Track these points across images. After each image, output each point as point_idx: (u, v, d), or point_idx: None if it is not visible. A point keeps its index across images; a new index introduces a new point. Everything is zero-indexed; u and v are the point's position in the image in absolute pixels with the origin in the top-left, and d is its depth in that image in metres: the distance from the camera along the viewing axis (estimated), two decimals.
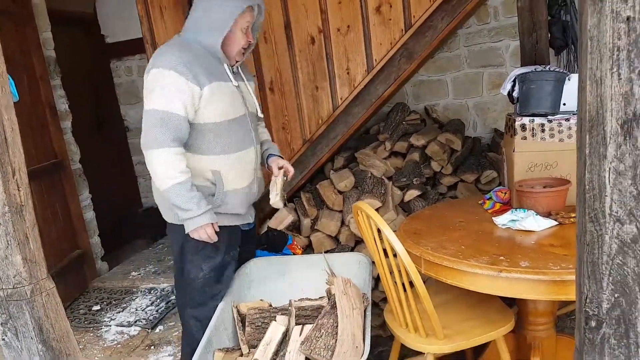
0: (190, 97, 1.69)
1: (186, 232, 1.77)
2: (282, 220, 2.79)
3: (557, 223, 1.70)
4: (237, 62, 1.88)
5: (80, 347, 2.80)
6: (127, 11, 4.08)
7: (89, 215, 3.79)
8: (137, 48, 4.01)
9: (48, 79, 3.42)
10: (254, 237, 2.21)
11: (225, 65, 1.82)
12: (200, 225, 1.74)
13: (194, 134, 1.77)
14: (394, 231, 1.60)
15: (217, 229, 1.80)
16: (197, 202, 1.72)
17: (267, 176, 2.10)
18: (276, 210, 2.82)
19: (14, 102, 1.47)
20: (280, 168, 2.00)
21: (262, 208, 2.91)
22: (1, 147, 1.42)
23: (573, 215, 1.66)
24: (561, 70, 1.92)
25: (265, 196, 2.01)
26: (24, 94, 3.10)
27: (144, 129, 1.72)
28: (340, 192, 2.82)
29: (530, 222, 1.69)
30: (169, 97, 1.67)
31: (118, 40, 4.45)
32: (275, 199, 1.95)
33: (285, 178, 2.00)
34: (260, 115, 2.00)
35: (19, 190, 1.46)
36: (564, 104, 1.89)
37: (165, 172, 1.69)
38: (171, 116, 1.68)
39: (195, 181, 1.78)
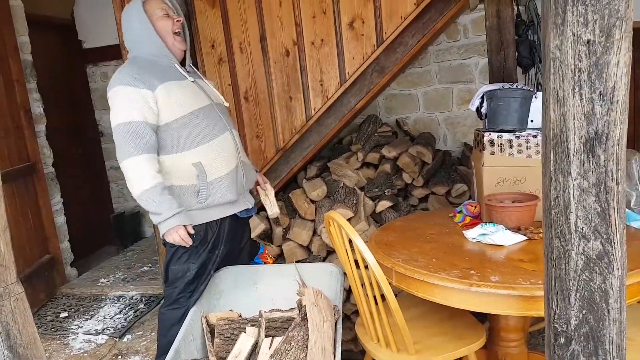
0: (144, 103, 1.76)
1: (161, 236, 1.81)
2: (253, 228, 2.76)
3: (526, 238, 1.73)
4: (184, 52, 1.96)
5: (47, 355, 2.71)
6: (104, 17, 4.06)
7: (60, 219, 3.75)
8: (113, 54, 3.99)
9: (24, 82, 3.42)
10: (248, 225, 2.24)
11: (176, 65, 1.91)
12: (172, 227, 1.77)
13: (166, 135, 1.82)
14: (366, 242, 1.61)
15: (192, 231, 1.83)
16: (167, 205, 1.76)
17: None
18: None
19: None
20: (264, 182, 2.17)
21: None
22: None
23: (542, 230, 1.69)
24: (528, 88, 1.98)
25: None
26: (0, 96, 3.10)
27: (115, 145, 1.78)
28: (312, 202, 2.82)
29: (500, 237, 1.71)
30: (125, 108, 1.75)
31: (95, 46, 4.42)
32: (273, 210, 2.13)
33: (272, 188, 2.19)
34: (226, 104, 2.08)
35: None
36: (532, 121, 1.95)
37: (136, 180, 1.75)
38: (131, 125, 1.74)
39: (179, 182, 1.83)
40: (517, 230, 1.78)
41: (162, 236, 1.80)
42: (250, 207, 2.05)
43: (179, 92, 1.84)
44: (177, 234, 1.78)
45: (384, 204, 2.76)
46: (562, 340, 0.99)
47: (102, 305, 3.31)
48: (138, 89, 1.76)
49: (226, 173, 1.90)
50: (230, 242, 2.03)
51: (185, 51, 1.98)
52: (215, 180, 1.87)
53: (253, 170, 2.12)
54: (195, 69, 2.03)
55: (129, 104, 1.75)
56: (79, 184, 4.32)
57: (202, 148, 1.85)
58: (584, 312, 0.95)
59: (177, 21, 1.93)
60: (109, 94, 1.81)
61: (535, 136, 1.91)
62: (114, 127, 1.78)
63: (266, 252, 2.55)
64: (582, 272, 0.94)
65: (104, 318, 3.12)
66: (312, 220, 2.77)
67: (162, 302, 2.07)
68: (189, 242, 1.82)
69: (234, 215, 2.00)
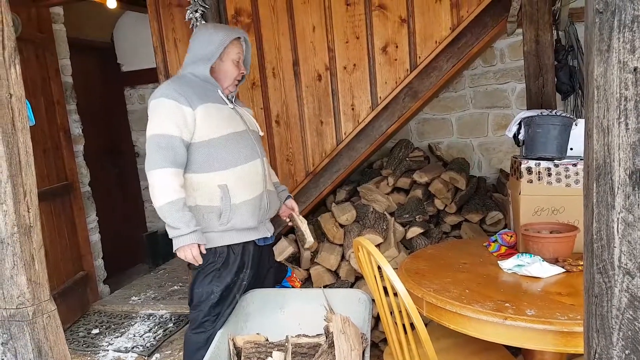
0: (182, 118, 1.80)
1: (174, 250, 1.82)
2: (282, 251, 2.76)
3: (564, 270, 1.66)
4: (230, 92, 2.01)
5: None
6: (142, 42, 4.21)
7: (95, 237, 3.85)
8: (150, 77, 4.12)
9: (64, 104, 3.55)
10: (271, 253, 2.24)
11: (219, 91, 1.95)
12: (186, 244, 1.78)
13: (197, 153, 1.86)
14: (395, 269, 1.57)
15: (204, 251, 1.85)
16: (186, 221, 1.78)
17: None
18: (277, 241, 2.81)
19: (31, 126, 1.51)
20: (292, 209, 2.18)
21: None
22: (15, 169, 1.45)
23: (581, 263, 1.63)
24: (568, 115, 1.92)
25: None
26: (41, 117, 3.23)
27: (146, 154, 1.83)
28: (341, 226, 2.80)
29: (537, 268, 1.65)
30: (163, 120, 1.80)
31: (133, 69, 4.58)
32: (309, 240, 2.15)
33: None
34: (261, 133, 2.10)
35: (28, 211, 1.49)
36: (571, 149, 1.88)
37: (160, 191, 1.78)
38: (166, 138, 1.78)
39: (203, 202, 1.86)
40: (555, 262, 1.71)
41: (174, 251, 1.82)
42: (269, 235, 2.06)
43: (217, 114, 1.88)
44: (189, 251, 1.80)
45: (414, 231, 2.71)
46: None
47: (132, 323, 3.35)
48: (179, 104, 1.80)
49: (250, 198, 1.91)
50: (257, 267, 2.02)
51: None
52: (238, 204, 1.88)
53: (277, 199, 2.12)
54: (236, 97, 2.09)
55: (168, 116, 1.79)
56: (114, 203, 4.45)
57: (230, 171, 1.87)
58: (627, 352, 0.89)
59: (241, 72, 2.01)
60: (151, 103, 1.85)
61: (575, 165, 1.84)
62: (149, 136, 1.82)
63: (294, 275, 2.53)
64: (625, 311, 0.89)
65: (134, 336, 3.15)
66: (341, 245, 2.74)
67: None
68: (199, 261, 1.83)
69: (253, 243, 2.00)
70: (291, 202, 2.20)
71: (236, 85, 2.03)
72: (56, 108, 3.44)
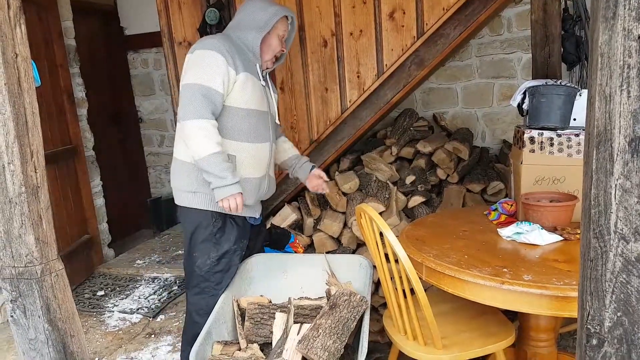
0: (227, 78, 1.82)
1: (216, 201, 1.82)
2: (285, 217, 2.80)
3: (562, 238, 1.69)
4: (267, 68, 2.02)
5: (84, 330, 2.83)
6: (146, 5, 4.14)
7: (99, 201, 3.87)
8: (154, 41, 4.07)
9: (67, 67, 3.52)
10: (263, 233, 2.28)
11: (258, 65, 1.96)
12: (232, 194, 1.79)
13: (222, 116, 1.87)
14: (396, 236, 1.60)
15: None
16: (232, 171, 1.80)
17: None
18: (280, 208, 2.85)
19: (36, 87, 1.51)
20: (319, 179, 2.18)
21: (266, 206, 2.93)
22: (22, 130, 1.45)
23: (579, 231, 1.66)
24: (572, 85, 1.91)
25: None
26: (44, 80, 3.20)
27: (182, 103, 1.78)
28: (344, 194, 2.83)
29: (535, 236, 1.68)
30: (211, 74, 1.79)
31: (136, 33, 4.51)
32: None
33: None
34: (277, 122, 2.10)
35: (35, 172, 1.50)
36: (574, 119, 1.89)
37: (205, 141, 1.76)
38: (210, 91, 1.79)
39: None
40: (554, 230, 1.74)
41: (217, 201, 1.81)
42: (257, 216, 2.10)
43: (252, 86, 1.90)
44: (234, 199, 1.80)
45: (416, 200, 2.73)
46: (594, 341, 0.96)
47: (137, 285, 3.42)
48: (227, 64, 1.80)
49: (253, 177, 1.95)
50: (254, 240, 2.10)
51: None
52: (242, 179, 1.88)
53: (275, 184, 2.16)
54: (268, 79, 2.08)
55: (217, 71, 1.79)
56: (118, 168, 4.46)
57: (242, 145, 1.90)
58: (618, 314, 0.93)
59: (282, 50, 2.02)
60: (197, 52, 1.82)
61: (577, 135, 1.85)
62: (189, 84, 1.78)
63: (297, 241, 2.58)
64: (619, 274, 0.92)
65: (139, 298, 3.23)
66: (343, 213, 2.77)
67: None
68: (241, 209, 1.84)
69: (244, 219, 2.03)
70: (319, 171, 2.22)
71: (274, 62, 2.04)
72: (59, 71, 3.42)
